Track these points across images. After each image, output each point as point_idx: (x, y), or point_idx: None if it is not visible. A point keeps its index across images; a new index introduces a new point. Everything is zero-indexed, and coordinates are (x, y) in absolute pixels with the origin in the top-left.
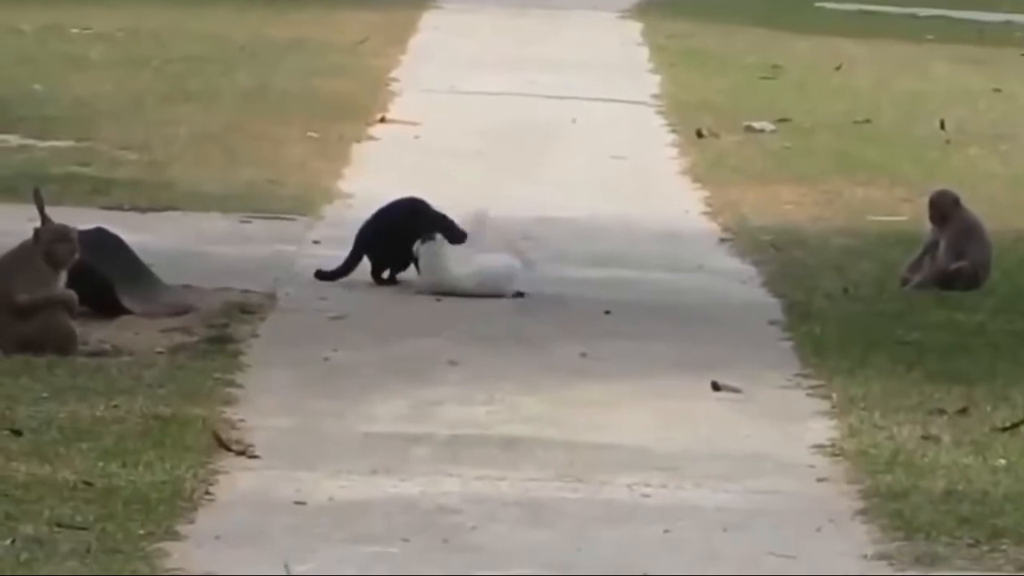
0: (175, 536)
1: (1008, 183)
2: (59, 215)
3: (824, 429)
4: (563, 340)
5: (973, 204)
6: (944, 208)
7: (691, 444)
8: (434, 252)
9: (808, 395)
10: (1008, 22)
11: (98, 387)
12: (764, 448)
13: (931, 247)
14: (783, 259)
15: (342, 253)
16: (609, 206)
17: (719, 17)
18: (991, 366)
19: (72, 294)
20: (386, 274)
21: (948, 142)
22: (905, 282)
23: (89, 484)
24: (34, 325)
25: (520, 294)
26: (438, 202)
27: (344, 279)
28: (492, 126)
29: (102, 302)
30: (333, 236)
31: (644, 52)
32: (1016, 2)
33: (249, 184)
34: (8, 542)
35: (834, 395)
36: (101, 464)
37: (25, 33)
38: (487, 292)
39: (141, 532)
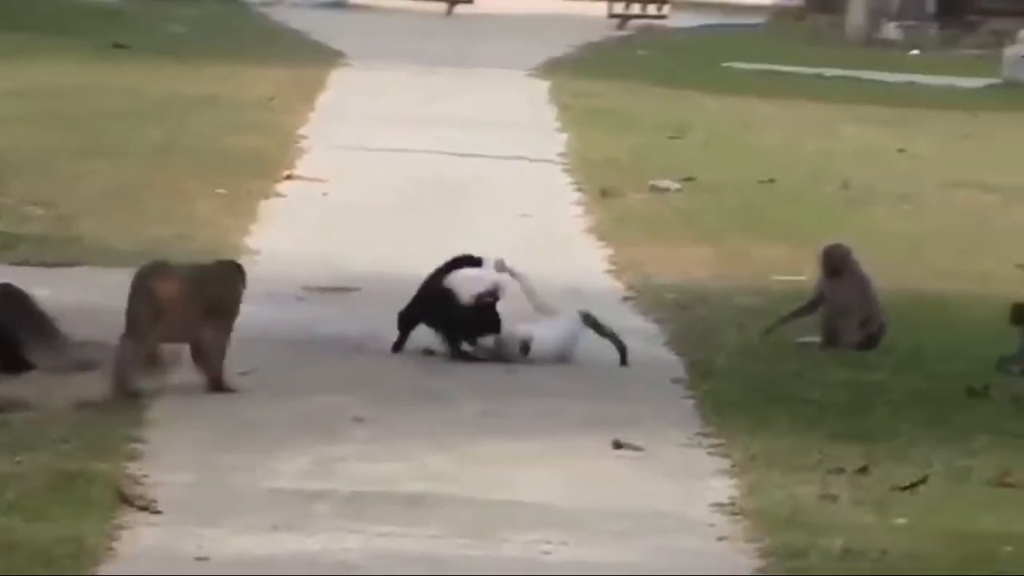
0: None
1: (910, 242)
2: None
3: (725, 487)
4: (468, 397)
5: (875, 263)
6: (837, 261)
7: (593, 502)
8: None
9: (709, 453)
10: (912, 83)
11: (2, 442)
12: (665, 506)
13: (820, 301)
14: (686, 317)
15: (248, 308)
16: (516, 263)
17: (627, 76)
18: (891, 425)
19: None
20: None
21: (852, 202)
22: (770, 329)
23: None
24: None
25: (431, 351)
26: (345, 258)
27: (248, 336)
28: (401, 183)
29: (7, 357)
30: None
31: (552, 111)
32: (922, 64)
33: (157, 239)
34: None
35: (735, 454)
36: (4, 519)
37: None
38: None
39: None
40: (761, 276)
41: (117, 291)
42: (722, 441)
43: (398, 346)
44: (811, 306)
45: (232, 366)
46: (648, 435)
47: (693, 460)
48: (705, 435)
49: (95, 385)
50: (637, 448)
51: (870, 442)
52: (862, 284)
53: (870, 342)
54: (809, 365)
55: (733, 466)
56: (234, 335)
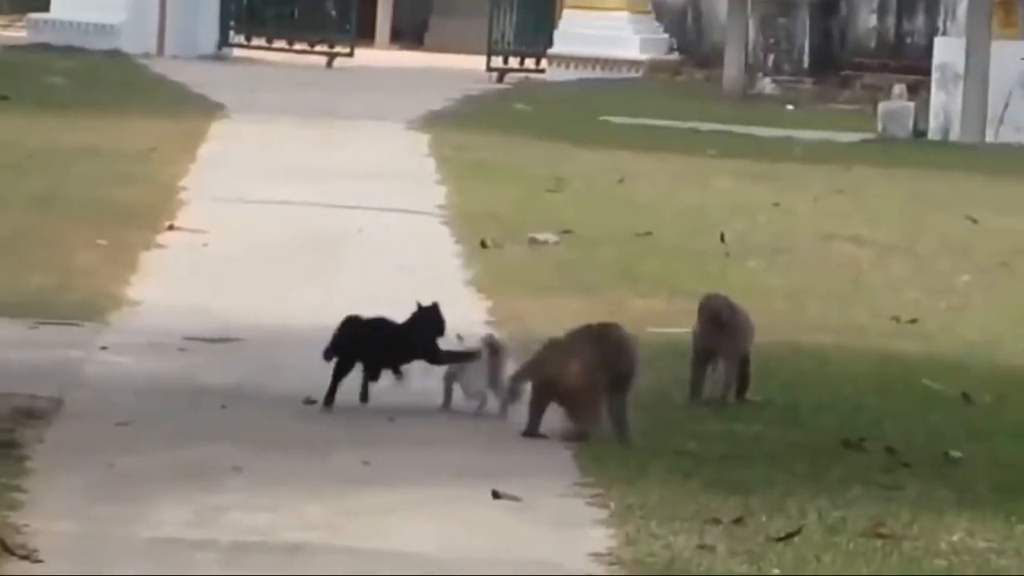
0: None
1: (786, 295)
2: None
3: (602, 537)
4: (347, 447)
5: (753, 316)
6: (722, 314)
7: (472, 551)
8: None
9: (587, 503)
10: (788, 137)
11: None
12: (543, 556)
13: (709, 356)
14: None
15: (128, 359)
16: (396, 314)
17: (505, 129)
18: (767, 476)
19: None
20: None
21: (728, 255)
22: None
23: None
24: None
25: (311, 401)
26: (226, 309)
27: (128, 386)
28: (281, 235)
29: None
30: (120, 343)
31: (431, 163)
32: (797, 118)
33: (38, 290)
34: None
35: (612, 504)
36: None
37: None
38: None
39: None
40: (638, 328)
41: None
42: (600, 491)
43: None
44: (705, 363)
45: (111, 416)
46: (526, 485)
47: (571, 510)
48: (583, 485)
49: None
50: (515, 498)
51: (746, 493)
52: (750, 333)
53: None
54: (687, 416)
55: (611, 516)
56: (113, 385)
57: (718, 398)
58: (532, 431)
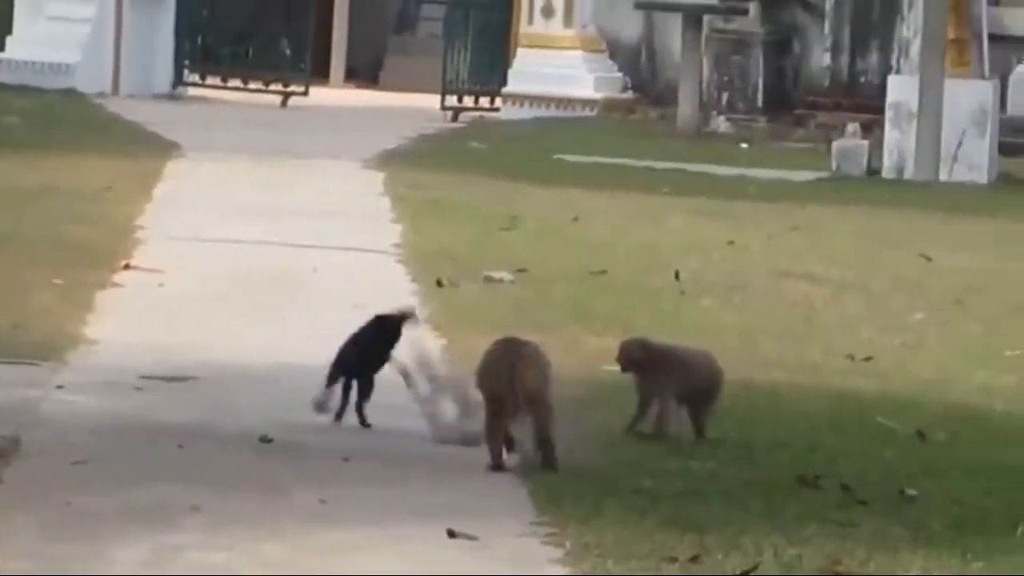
0: None
1: (740, 333)
2: None
3: None
4: (303, 486)
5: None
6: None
7: None
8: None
9: (543, 542)
10: (742, 175)
11: None
12: None
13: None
14: None
15: (85, 398)
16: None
17: (460, 168)
18: (723, 514)
19: None
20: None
21: (683, 293)
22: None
23: None
24: None
25: (268, 439)
26: (181, 347)
27: (84, 425)
28: (237, 273)
29: None
30: (76, 381)
31: (386, 202)
32: (751, 157)
33: None
34: None
35: (568, 543)
36: None
37: None
38: None
39: None
40: (592, 366)
41: None
42: (556, 530)
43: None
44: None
45: (68, 455)
46: (482, 524)
47: (527, 549)
48: (539, 524)
49: None
50: (471, 537)
51: (702, 531)
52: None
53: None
54: (642, 455)
55: (567, 555)
56: (70, 424)
57: (667, 435)
58: (499, 463)
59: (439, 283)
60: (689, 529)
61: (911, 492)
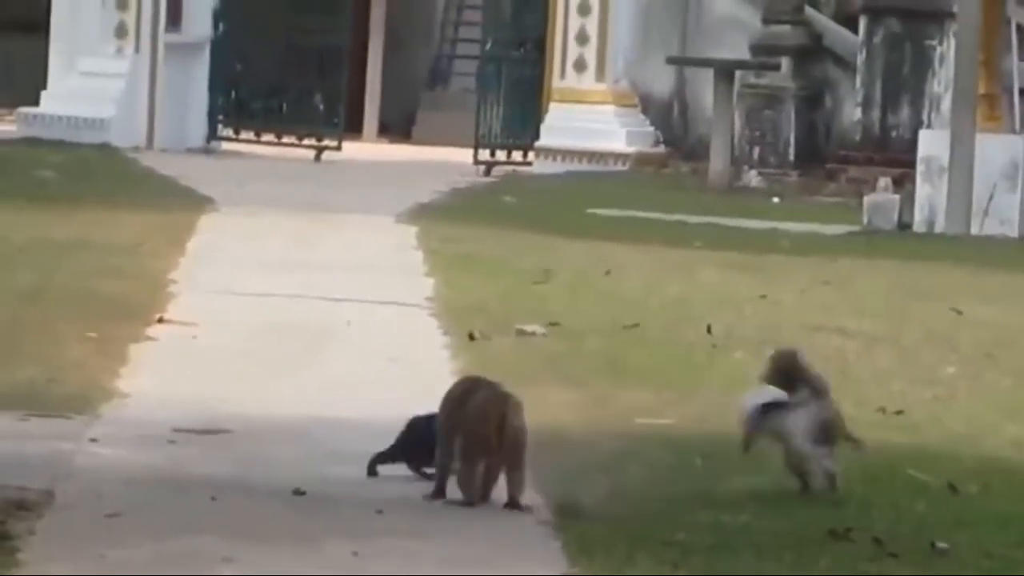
0: None
1: None
2: None
3: None
4: (335, 538)
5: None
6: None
7: None
8: None
9: None
10: (774, 229)
11: None
12: None
13: None
14: (552, 460)
15: (118, 451)
16: (385, 406)
17: (493, 222)
18: (755, 567)
19: None
20: None
21: (715, 346)
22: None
23: None
24: None
25: (300, 492)
26: (214, 400)
27: (118, 477)
28: (269, 327)
29: None
30: (110, 434)
31: (418, 255)
32: (783, 211)
33: (28, 382)
34: None
35: None
36: None
37: None
38: None
39: None
40: (625, 419)
41: None
42: None
43: None
44: None
45: (101, 508)
46: (514, 575)
47: None
48: (571, 575)
49: None
50: None
51: None
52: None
53: None
54: (674, 507)
55: None
56: (104, 477)
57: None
58: (477, 500)
59: (471, 336)
60: None
61: (942, 545)
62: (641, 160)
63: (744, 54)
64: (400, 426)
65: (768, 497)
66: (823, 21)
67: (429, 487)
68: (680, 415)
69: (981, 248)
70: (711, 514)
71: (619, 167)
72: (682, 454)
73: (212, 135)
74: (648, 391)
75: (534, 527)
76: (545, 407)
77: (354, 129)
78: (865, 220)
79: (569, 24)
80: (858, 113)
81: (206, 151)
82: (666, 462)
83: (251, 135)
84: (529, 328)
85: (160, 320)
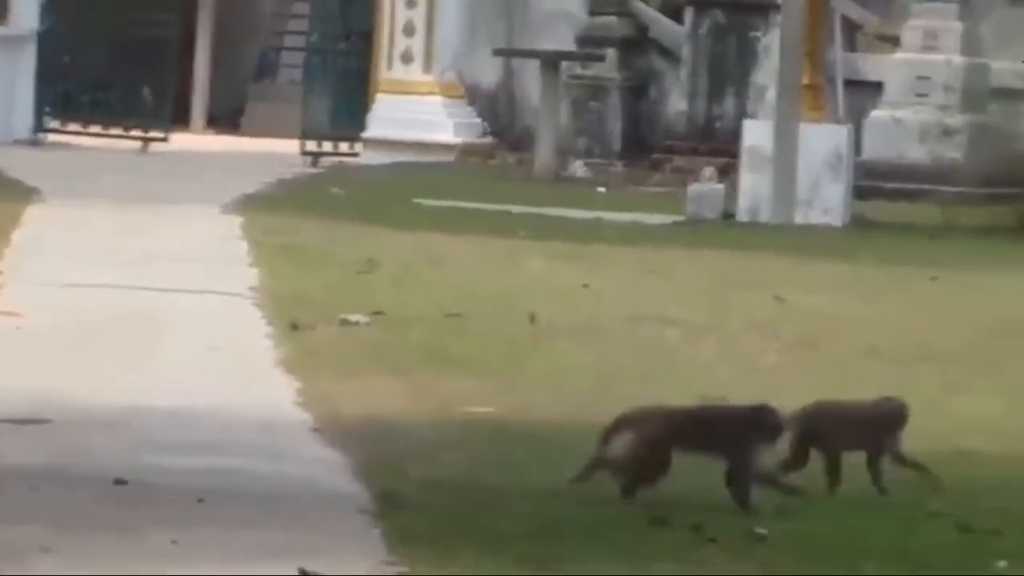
0: None
1: (595, 375)
2: None
3: None
4: (156, 527)
5: (562, 397)
6: None
7: None
8: None
9: None
10: (599, 219)
11: None
12: None
13: None
14: (374, 449)
15: None
16: (206, 396)
17: (319, 213)
18: (579, 554)
19: None
20: None
21: (538, 335)
22: None
23: None
24: None
25: (122, 481)
26: (37, 391)
27: None
28: (94, 318)
29: None
30: None
31: (243, 246)
32: (608, 201)
33: None
34: None
35: None
36: None
37: None
38: None
39: None
40: (448, 408)
41: None
42: (406, 570)
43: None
44: None
45: None
46: (333, 564)
47: None
48: (390, 563)
49: None
50: None
51: (555, 571)
52: None
53: None
54: (496, 496)
55: None
56: None
57: None
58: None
59: (294, 326)
60: (543, 568)
61: (760, 531)
62: (468, 151)
63: (571, 46)
64: (220, 414)
65: (589, 486)
66: (649, 12)
67: None
68: (502, 404)
69: (804, 237)
70: (533, 503)
71: (446, 158)
72: (505, 443)
73: (39, 127)
74: (471, 380)
75: (354, 516)
76: (368, 396)
77: (182, 121)
78: (689, 210)
79: (396, 16)
80: (683, 104)
81: (33, 143)
82: (489, 451)
83: (78, 127)
84: (353, 318)
85: None
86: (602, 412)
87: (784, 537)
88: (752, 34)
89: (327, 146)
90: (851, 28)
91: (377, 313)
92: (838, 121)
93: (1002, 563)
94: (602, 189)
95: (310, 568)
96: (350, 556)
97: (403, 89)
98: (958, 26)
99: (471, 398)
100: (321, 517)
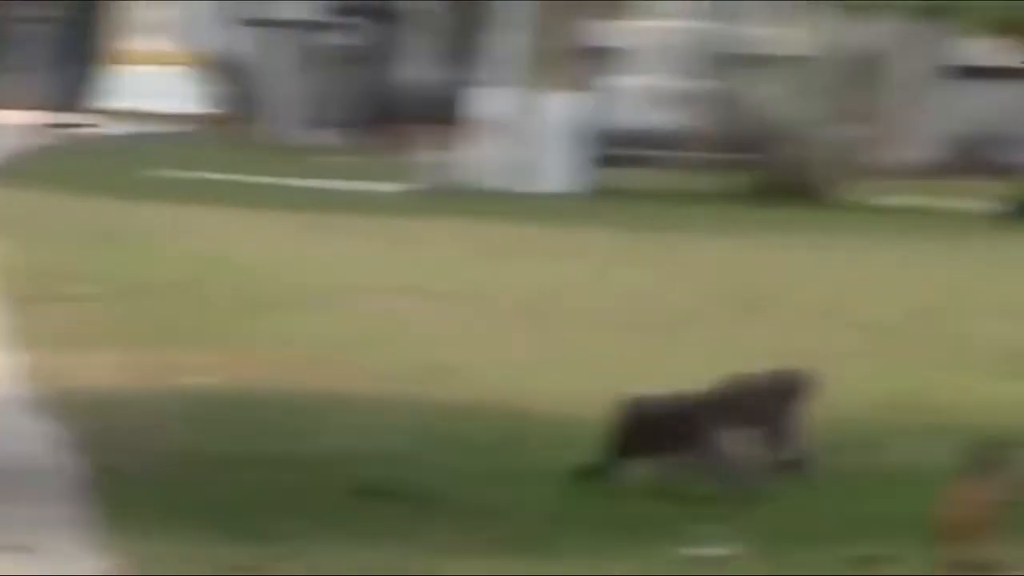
0: None
1: (323, 345)
2: None
3: None
4: None
5: (286, 367)
6: None
7: None
8: None
9: (99, 555)
10: (333, 189)
11: None
12: None
13: None
14: (97, 422)
15: None
16: None
17: (52, 185)
18: (290, 526)
19: None
20: None
21: (263, 306)
22: None
23: None
24: None
25: None
26: None
27: None
28: None
29: None
30: None
31: None
32: (345, 170)
33: None
34: None
35: (132, 556)
36: None
37: None
38: None
39: None
40: (173, 380)
41: None
42: (115, 542)
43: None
44: None
45: None
46: (43, 537)
47: (84, 562)
48: (96, 533)
49: None
50: (29, 549)
51: (264, 542)
52: None
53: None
54: (213, 469)
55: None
56: None
57: None
58: None
59: (22, 299)
60: (252, 540)
61: (489, 500)
62: (206, 121)
63: (316, 15)
64: None
65: (310, 456)
66: None
67: None
68: (227, 374)
69: (542, 205)
70: (254, 474)
71: (185, 128)
72: (228, 413)
73: None
74: (197, 351)
75: (75, 489)
76: (95, 369)
77: None
78: (422, 178)
79: None
80: (419, 72)
81: None
82: (212, 422)
83: None
84: (82, 290)
85: None
86: (327, 380)
87: (507, 504)
88: (493, 2)
89: (64, 118)
90: None
91: (105, 284)
92: (581, 89)
93: None
94: (339, 158)
95: (19, 541)
96: (61, 528)
97: (142, 60)
98: None
99: (196, 368)
100: (40, 491)
